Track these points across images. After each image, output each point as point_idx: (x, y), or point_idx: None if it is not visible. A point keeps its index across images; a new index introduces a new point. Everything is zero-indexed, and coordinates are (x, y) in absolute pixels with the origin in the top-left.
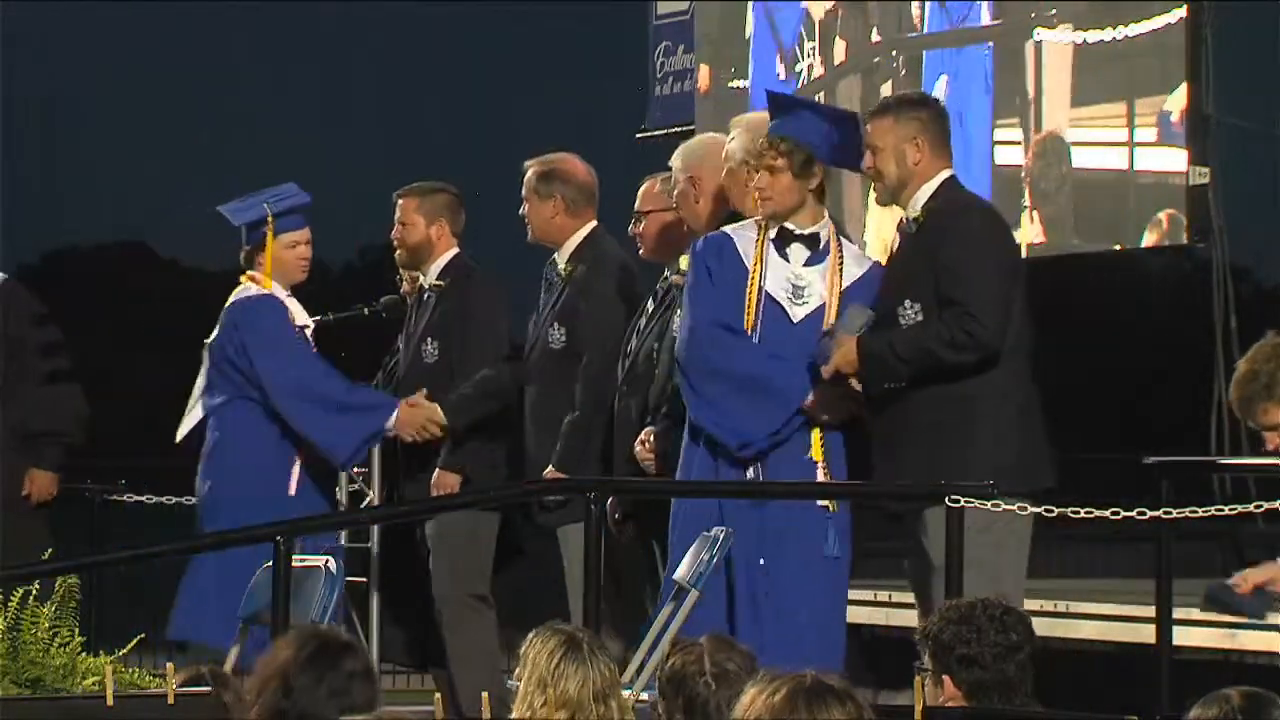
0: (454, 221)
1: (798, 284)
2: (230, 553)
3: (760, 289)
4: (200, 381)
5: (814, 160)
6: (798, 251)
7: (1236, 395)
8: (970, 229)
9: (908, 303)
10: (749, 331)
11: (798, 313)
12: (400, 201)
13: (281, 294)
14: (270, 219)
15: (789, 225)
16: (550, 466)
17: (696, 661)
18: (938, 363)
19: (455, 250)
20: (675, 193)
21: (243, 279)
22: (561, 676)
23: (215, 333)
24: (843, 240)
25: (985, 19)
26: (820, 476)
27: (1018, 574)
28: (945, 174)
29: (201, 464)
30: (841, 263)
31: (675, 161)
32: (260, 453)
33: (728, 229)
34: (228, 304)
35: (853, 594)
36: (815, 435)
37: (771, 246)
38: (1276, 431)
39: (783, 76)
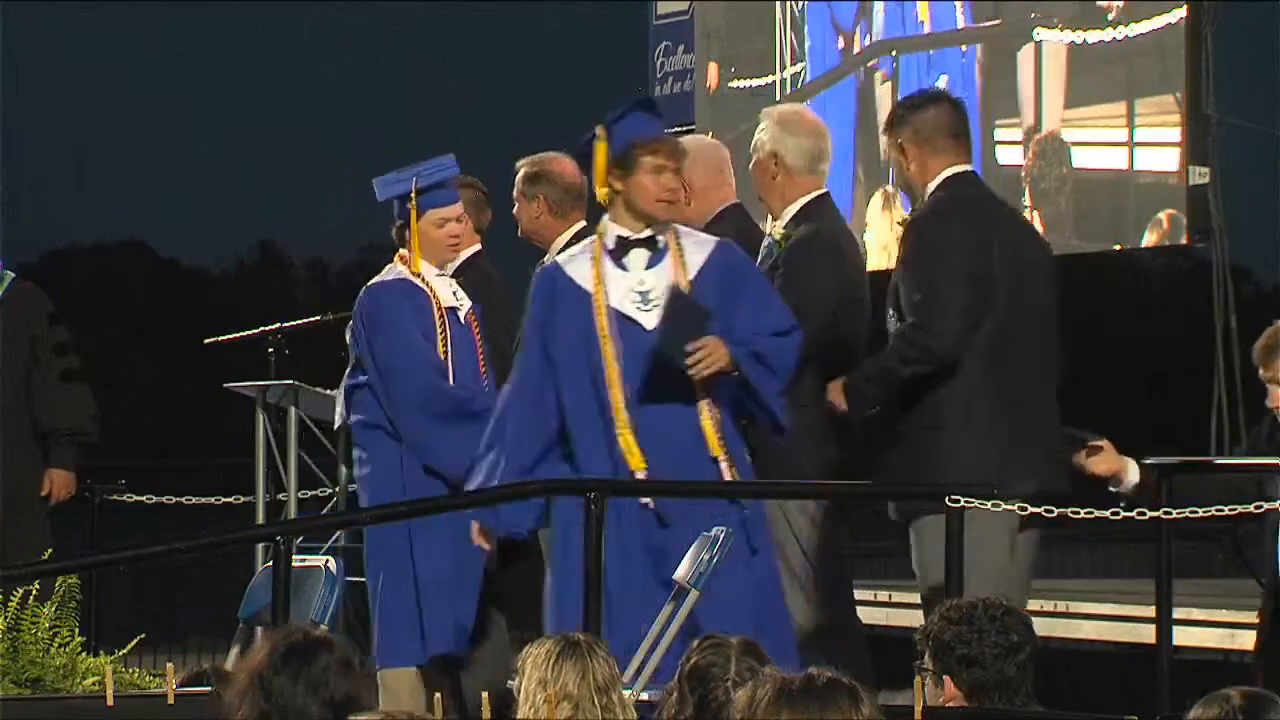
0: (477, 218)
1: (643, 290)
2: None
3: (607, 307)
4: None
5: None
6: (637, 258)
7: (1262, 344)
8: (922, 237)
9: (890, 312)
10: (604, 347)
11: (649, 320)
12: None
13: (430, 274)
14: (414, 193)
15: (625, 233)
16: None
17: (723, 664)
18: (898, 379)
19: (477, 247)
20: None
21: (395, 258)
22: (561, 673)
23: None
24: (680, 230)
25: (960, 22)
26: (726, 473)
27: (992, 572)
28: (948, 172)
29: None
30: (683, 254)
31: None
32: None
33: (558, 260)
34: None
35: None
36: (710, 431)
37: (609, 261)
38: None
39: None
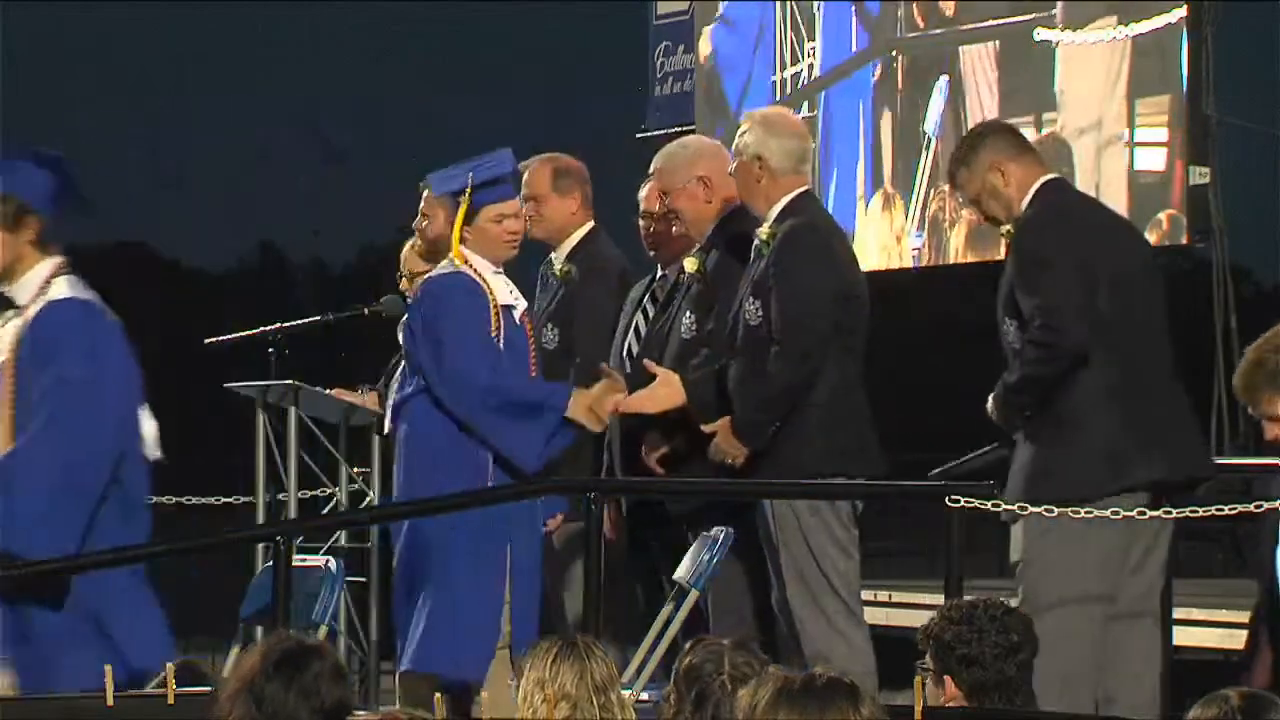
0: None
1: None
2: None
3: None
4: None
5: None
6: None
7: (1242, 383)
8: (1033, 238)
9: (1006, 321)
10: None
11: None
12: (425, 192)
13: (488, 271)
14: (469, 189)
15: None
16: None
17: (715, 660)
18: (1037, 385)
19: None
20: (675, 192)
21: (451, 255)
22: (559, 673)
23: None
24: None
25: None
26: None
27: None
28: (1039, 181)
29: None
30: None
31: (668, 163)
32: (449, 447)
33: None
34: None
35: None
36: None
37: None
38: (1277, 422)
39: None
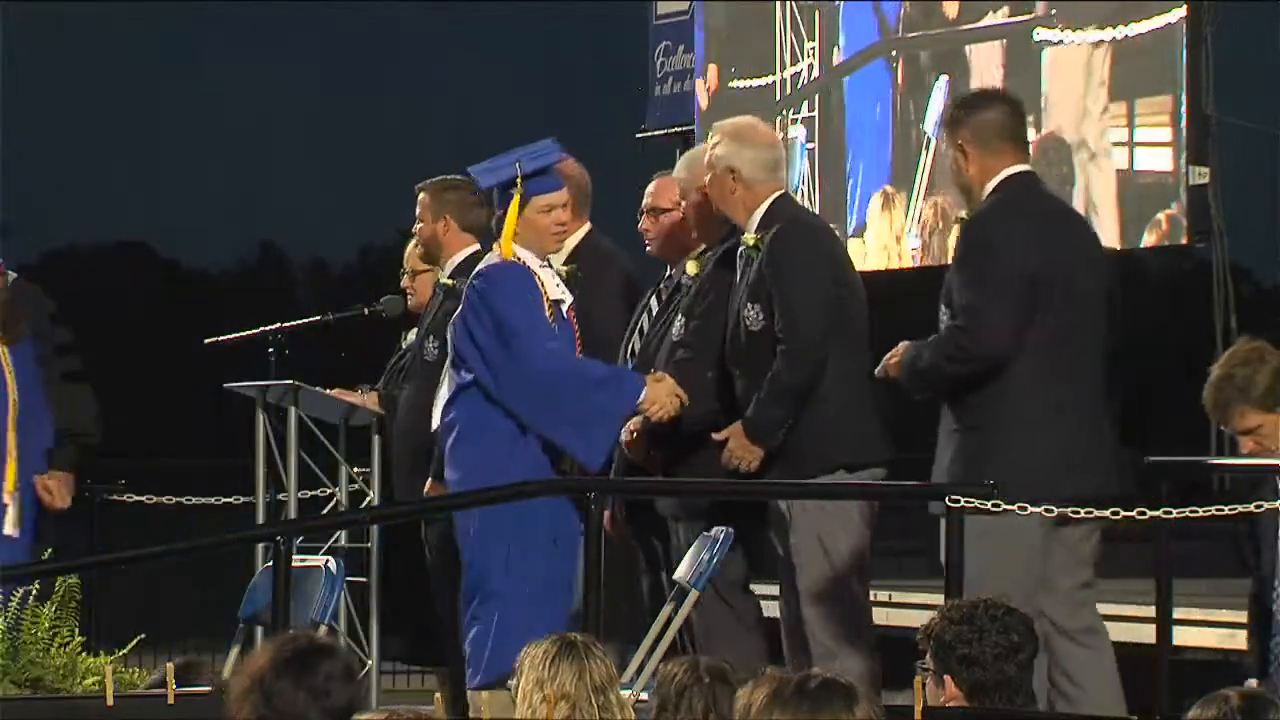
0: (462, 217)
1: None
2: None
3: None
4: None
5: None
6: None
7: (1211, 399)
8: (975, 234)
9: (942, 308)
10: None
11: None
12: (420, 195)
13: (534, 264)
14: (520, 180)
15: None
16: None
17: (692, 666)
18: (943, 377)
19: (473, 248)
20: (703, 187)
21: (495, 247)
22: (558, 673)
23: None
24: None
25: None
26: None
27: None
28: (1006, 172)
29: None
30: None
31: (691, 168)
32: (499, 441)
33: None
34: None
35: None
36: None
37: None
38: (1251, 436)
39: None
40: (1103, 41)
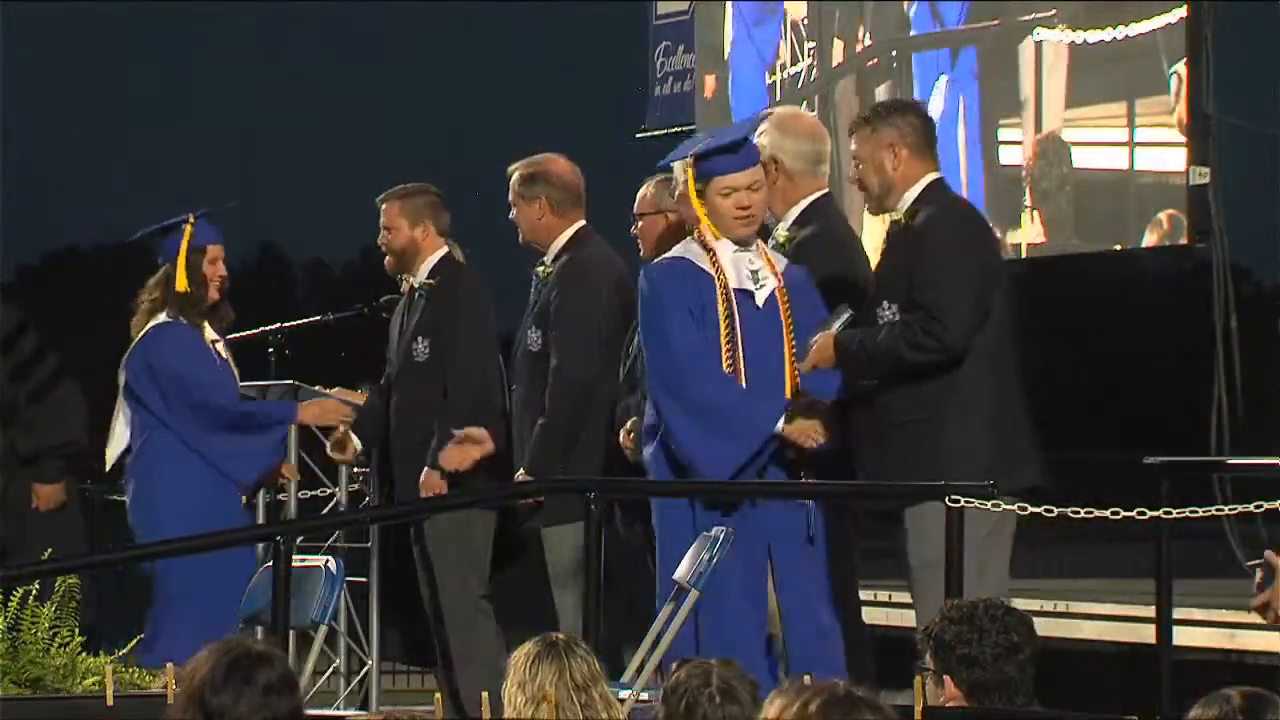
0: (438, 221)
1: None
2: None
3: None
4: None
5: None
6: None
7: None
8: (942, 234)
9: (885, 304)
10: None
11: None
12: (383, 206)
13: (726, 251)
14: (693, 159)
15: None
16: (520, 469)
17: (702, 676)
18: (901, 364)
19: (444, 250)
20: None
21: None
22: (537, 673)
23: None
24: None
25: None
26: None
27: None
28: (930, 178)
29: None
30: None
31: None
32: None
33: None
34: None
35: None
36: None
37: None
38: None
39: (769, 81)
40: (1103, 41)
